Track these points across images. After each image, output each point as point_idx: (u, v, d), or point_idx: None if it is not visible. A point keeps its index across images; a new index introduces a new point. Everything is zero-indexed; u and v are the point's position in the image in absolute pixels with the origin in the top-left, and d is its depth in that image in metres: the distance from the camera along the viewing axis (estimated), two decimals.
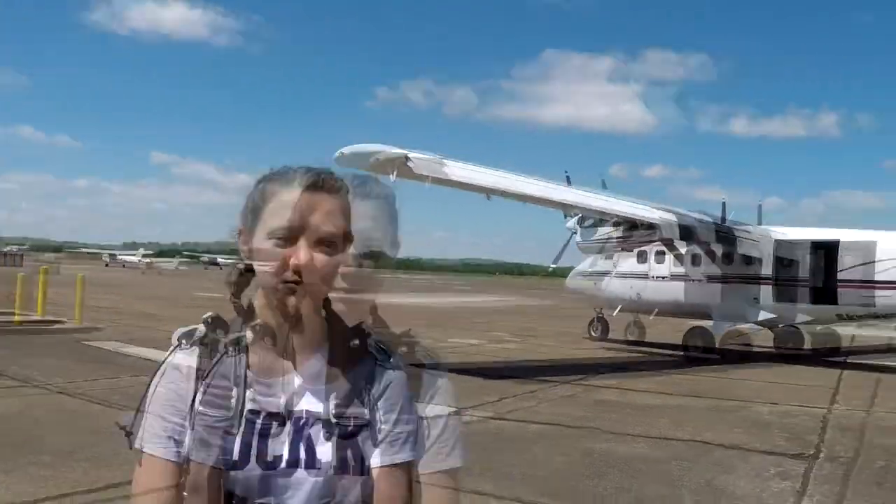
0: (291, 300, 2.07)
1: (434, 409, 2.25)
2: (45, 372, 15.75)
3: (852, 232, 24.32)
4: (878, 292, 22.54)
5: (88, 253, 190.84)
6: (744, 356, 24.99)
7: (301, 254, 2.05)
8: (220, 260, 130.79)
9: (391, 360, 2.25)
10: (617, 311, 27.92)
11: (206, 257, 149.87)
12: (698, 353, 23.44)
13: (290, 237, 2.07)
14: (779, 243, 24.43)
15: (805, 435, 12.88)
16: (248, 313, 2.21)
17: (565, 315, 41.19)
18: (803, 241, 24.45)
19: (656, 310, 27.35)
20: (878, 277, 22.53)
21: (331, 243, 2.10)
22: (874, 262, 22.64)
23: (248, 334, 2.16)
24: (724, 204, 26.10)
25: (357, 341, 2.23)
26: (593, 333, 29.60)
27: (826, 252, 23.56)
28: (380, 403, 2.18)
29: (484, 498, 8.66)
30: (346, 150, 18.10)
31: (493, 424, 12.61)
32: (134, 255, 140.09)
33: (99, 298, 36.44)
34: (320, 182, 2.12)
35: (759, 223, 26.82)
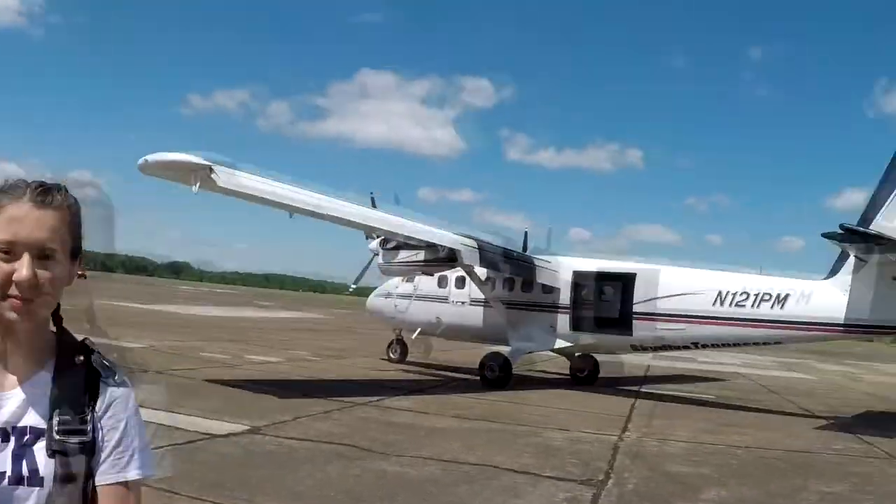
0: (12, 315, 2.08)
1: (111, 419, 2.23)
2: None
3: (641, 263, 25.25)
4: (663, 325, 23.41)
5: None
6: (539, 382, 25.59)
7: (24, 269, 2.05)
8: None
9: (116, 376, 2.28)
10: (416, 333, 28.12)
11: None
12: (494, 378, 23.74)
13: (14, 251, 2.07)
14: (577, 273, 25.07)
15: (595, 461, 13.14)
16: None
17: (367, 335, 41.23)
18: (601, 271, 25.17)
19: (456, 334, 27.76)
20: (663, 310, 23.39)
21: (53, 260, 2.12)
22: (662, 296, 23.50)
23: None
24: (526, 233, 26.60)
25: (81, 357, 2.23)
26: (392, 355, 29.57)
27: (623, 283, 24.30)
28: (104, 420, 2.20)
29: None
30: (150, 157, 17.68)
31: (286, 444, 12.41)
32: None
33: None
34: (49, 198, 2.14)
35: (525, 249, 27.46)
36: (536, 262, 25.30)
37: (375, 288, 30.95)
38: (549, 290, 25.15)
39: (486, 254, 24.08)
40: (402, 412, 17.01)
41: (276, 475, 10.33)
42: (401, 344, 29.69)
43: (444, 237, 23.65)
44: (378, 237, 26.27)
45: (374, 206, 24.77)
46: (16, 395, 2.13)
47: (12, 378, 2.15)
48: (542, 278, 25.13)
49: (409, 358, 29.35)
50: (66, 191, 2.20)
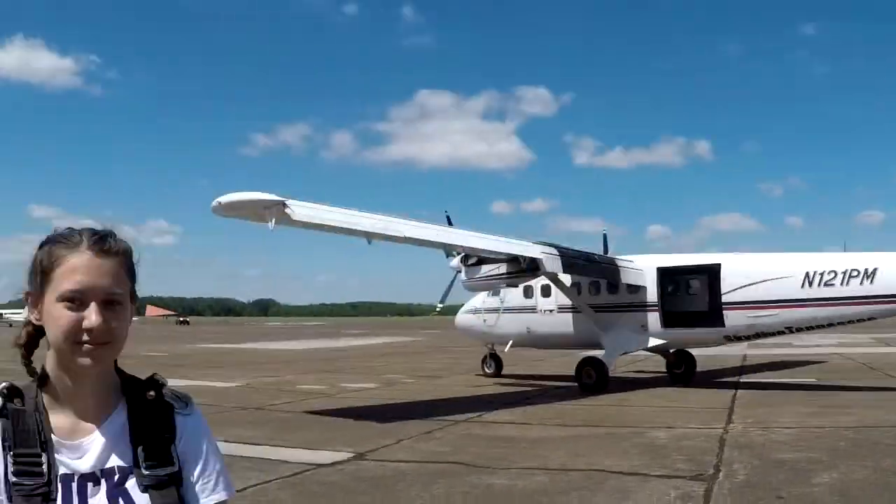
0: (85, 361, 2.12)
1: (191, 447, 2.29)
2: None
3: (723, 254, 25.01)
4: (754, 312, 23.09)
5: None
6: (637, 383, 25.38)
7: (94, 316, 2.10)
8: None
9: (188, 406, 2.36)
10: (508, 346, 28.10)
11: None
12: (592, 383, 23.60)
13: (81, 300, 2.12)
14: (662, 270, 24.88)
15: (703, 455, 12.96)
16: (41, 377, 2.25)
17: (459, 352, 41.27)
18: (685, 266, 24.99)
19: (547, 343, 27.70)
20: (753, 297, 23.08)
21: (119, 304, 2.18)
22: (750, 283, 23.19)
23: (47, 399, 2.21)
24: (605, 235, 26.55)
25: (153, 392, 2.31)
26: (487, 370, 29.63)
27: (709, 275, 24.03)
28: (186, 450, 2.27)
29: None
30: (223, 199, 17.73)
31: (391, 467, 12.43)
32: (20, 312, 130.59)
33: None
34: (107, 245, 2.20)
35: (606, 251, 27.41)
36: (619, 263, 25.22)
37: (462, 305, 31.04)
38: (636, 289, 25.01)
39: (568, 259, 24.04)
40: (504, 425, 16.97)
41: (385, 499, 10.35)
42: (494, 358, 29.75)
43: (525, 247, 23.65)
44: (459, 254, 26.33)
45: (449, 223, 24.89)
46: (96, 439, 2.20)
47: (87, 424, 2.21)
48: (627, 279, 25.01)
49: (504, 371, 29.33)
50: (119, 238, 2.26)
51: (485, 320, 28.76)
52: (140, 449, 2.20)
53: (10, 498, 2.06)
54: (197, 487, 2.25)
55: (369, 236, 20.28)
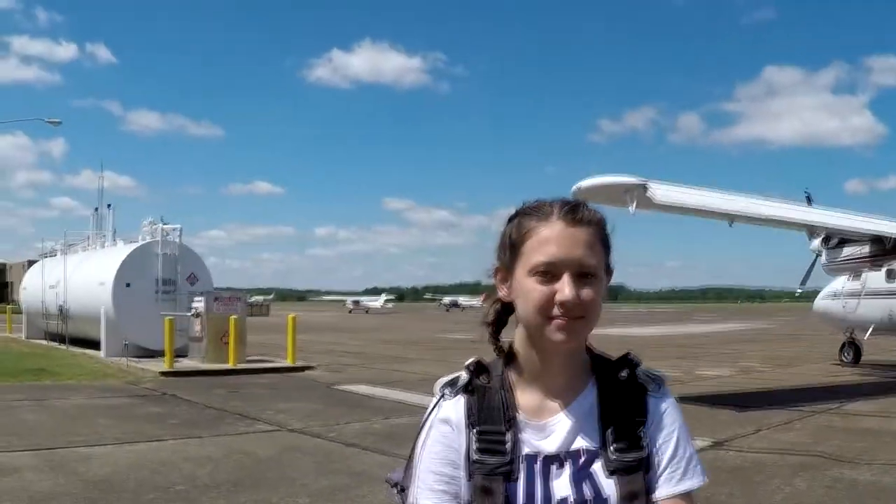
0: (559, 336, 2.03)
1: (662, 431, 2.15)
2: (298, 416, 16.63)
3: None
4: None
5: (330, 300, 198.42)
6: None
7: (567, 289, 2.00)
8: (461, 302, 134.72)
9: (661, 388, 2.19)
10: (869, 333, 26.90)
11: (446, 300, 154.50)
12: None
13: (553, 272, 2.02)
14: None
15: None
16: (508, 354, 2.20)
17: (813, 339, 39.90)
18: None
19: None
20: None
21: (593, 276, 2.05)
22: None
23: (514, 376, 2.17)
24: None
25: (625, 373, 2.18)
26: (845, 359, 28.47)
27: None
28: (657, 434, 2.13)
29: None
30: (583, 183, 17.81)
31: (750, 457, 12.48)
32: (376, 300, 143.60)
33: (346, 344, 38.15)
34: (579, 215, 2.08)
35: None
36: None
37: (819, 290, 30.05)
38: None
39: None
40: (866, 417, 16.49)
41: (744, 490, 10.40)
42: (853, 346, 28.50)
43: (890, 226, 22.52)
44: (820, 236, 25.54)
45: (809, 203, 24.18)
46: (562, 420, 2.12)
47: (554, 403, 2.14)
48: None
49: (862, 359, 28.18)
50: (592, 207, 2.15)
51: (844, 305, 27.65)
52: (609, 431, 2.10)
53: (470, 475, 2.07)
54: (666, 474, 2.11)
55: (731, 218, 20.02)
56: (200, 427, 15.16)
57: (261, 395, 19.98)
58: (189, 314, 27.65)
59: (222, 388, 21.29)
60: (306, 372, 25.98)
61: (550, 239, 2.04)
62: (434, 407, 2.17)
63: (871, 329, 26.76)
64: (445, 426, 2.12)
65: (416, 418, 2.20)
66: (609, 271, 2.15)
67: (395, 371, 26.61)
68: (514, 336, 2.18)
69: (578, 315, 2.02)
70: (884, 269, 25.44)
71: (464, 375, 2.17)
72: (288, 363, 27.12)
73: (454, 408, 2.14)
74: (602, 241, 2.11)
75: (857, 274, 26.59)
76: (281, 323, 34.03)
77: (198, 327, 27.33)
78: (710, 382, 23.11)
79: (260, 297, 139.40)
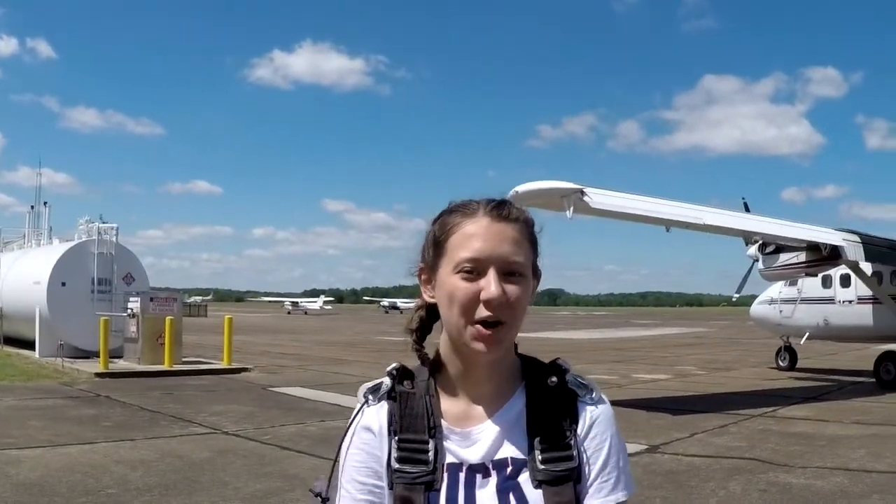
0: (480, 346, 1.94)
1: (594, 440, 2.04)
2: (233, 418, 16.50)
3: None
4: None
5: (269, 301, 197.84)
6: None
7: (493, 286, 1.90)
8: (400, 304, 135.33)
9: (593, 394, 2.09)
10: (804, 338, 27.28)
11: (386, 302, 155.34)
12: (892, 378, 22.64)
13: (478, 269, 1.93)
14: None
15: None
16: (433, 361, 2.11)
17: (751, 344, 40.38)
18: None
19: (845, 335, 26.71)
20: None
21: (520, 276, 1.96)
22: None
23: (439, 382, 2.09)
24: None
25: (555, 378, 2.07)
26: (781, 363, 28.87)
27: None
28: (587, 443, 2.03)
29: None
30: (521, 188, 17.59)
31: (685, 461, 12.56)
32: (315, 301, 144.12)
33: (283, 346, 37.92)
34: (505, 211, 2.02)
35: None
36: None
37: (755, 296, 30.43)
38: None
39: (872, 248, 23.04)
40: (800, 421, 16.67)
41: (679, 494, 10.46)
42: (789, 351, 28.92)
43: (826, 234, 22.87)
44: (756, 242, 25.84)
45: (747, 210, 24.46)
46: (488, 428, 2.02)
47: (479, 409, 2.04)
48: None
49: (798, 364, 28.53)
50: (518, 206, 2.07)
51: (781, 311, 27.99)
52: (537, 440, 2.00)
53: (391, 485, 2.00)
54: (596, 485, 2.01)
55: (668, 223, 20.18)
56: (134, 429, 14.97)
57: (196, 397, 19.79)
58: (125, 314, 27.36)
59: (157, 389, 21.07)
60: (242, 374, 25.86)
61: (476, 234, 1.96)
62: (357, 413, 2.08)
63: (806, 335, 27.14)
64: (368, 433, 2.04)
65: None
66: (537, 274, 2.07)
67: (331, 373, 26.57)
68: (440, 341, 2.10)
69: (504, 314, 1.93)
70: (819, 276, 25.80)
71: (386, 381, 2.09)
72: (224, 365, 26.95)
73: (377, 415, 2.05)
74: (529, 240, 2.04)
75: (793, 280, 26.94)
76: (218, 324, 33.89)
77: (133, 328, 27.07)
78: (647, 387, 23.29)
79: (198, 298, 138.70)
